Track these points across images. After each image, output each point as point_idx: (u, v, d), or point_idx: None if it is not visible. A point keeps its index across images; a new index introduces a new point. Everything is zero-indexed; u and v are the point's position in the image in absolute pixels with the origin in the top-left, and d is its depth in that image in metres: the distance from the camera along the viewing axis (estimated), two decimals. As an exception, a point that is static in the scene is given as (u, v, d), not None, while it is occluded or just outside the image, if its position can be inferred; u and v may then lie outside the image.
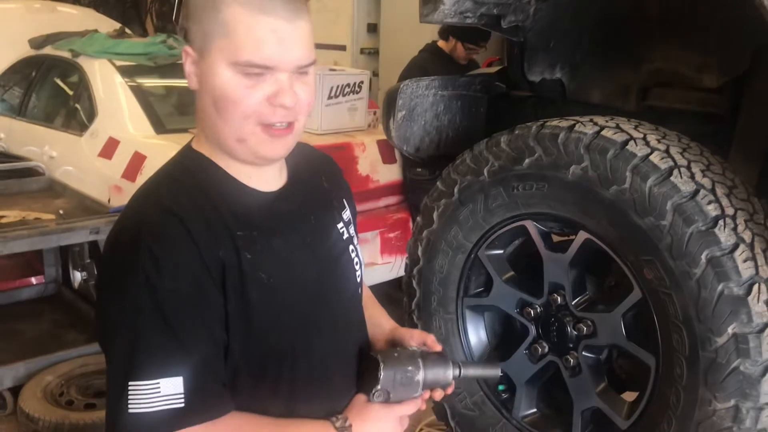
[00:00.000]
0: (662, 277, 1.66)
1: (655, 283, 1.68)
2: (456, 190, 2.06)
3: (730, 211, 1.62)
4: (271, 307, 1.14)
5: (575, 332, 1.92)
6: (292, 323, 1.18)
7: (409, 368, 1.24)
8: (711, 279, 1.59)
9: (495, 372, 1.44)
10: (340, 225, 1.31)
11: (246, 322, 1.12)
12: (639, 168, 1.69)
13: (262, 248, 1.14)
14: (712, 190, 1.64)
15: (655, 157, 1.69)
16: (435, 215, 2.14)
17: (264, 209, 1.18)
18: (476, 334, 2.20)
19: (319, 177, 1.31)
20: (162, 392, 1.03)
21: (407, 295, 2.28)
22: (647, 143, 1.73)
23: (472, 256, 2.09)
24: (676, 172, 1.66)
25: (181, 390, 1.04)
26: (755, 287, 1.57)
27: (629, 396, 1.93)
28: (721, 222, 1.60)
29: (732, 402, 1.59)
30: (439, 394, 1.30)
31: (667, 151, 1.71)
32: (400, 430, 1.25)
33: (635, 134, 1.75)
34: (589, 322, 1.89)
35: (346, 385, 1.27)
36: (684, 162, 1.69)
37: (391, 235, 4.29)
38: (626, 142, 1.73)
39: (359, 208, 4.29)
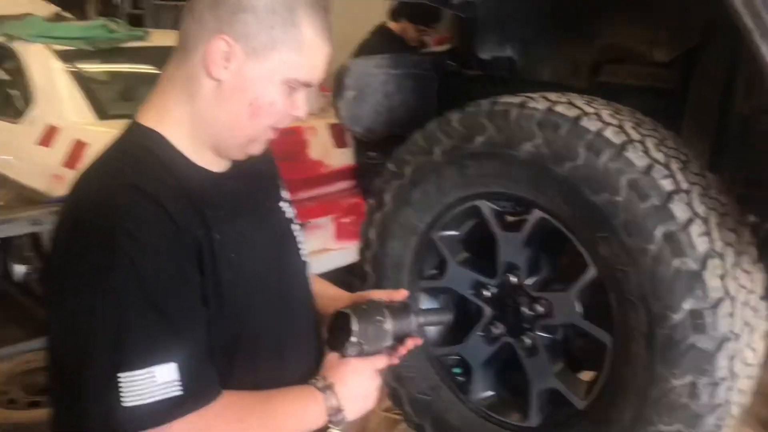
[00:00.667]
0: (617, 254, 1.63)
1: (610, 260, 1.66)
2: (408, 170, 2.01)
3: (684, 185, 1.60)
4: (241, 287, 1.15)
5: (531, 312, 1.88)
6: (259, 302, 1.19)
7: (378, 318, 1.27)
8: (666, 255, 1.56)
9: (448, 317, 1.66)
10: (281, 204, 1.35)
11: (219, 303, 1.11)
12: (592, 143, 1.65)
13: (229, 228, 1.15)
14: (667, 165, 1.62)
15: (608, 132, 1.65)
16: (387, 197, 2.08)
17: (219, 189, 1.18)
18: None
19: (257, 158, 1.28)
20: (158, 381, 1.00)
21: (361, 279, 2.23)
22: (600, 118, 1.69)
23: (426, 238, 2.04)
24: (630, 147, 1.63)
25: (177, 376, 1.02)
26: (710, 262, 1.56)
27: (587, 376, 1.90)
28: (676, 197, 1.57)
29: (688, 378, 1.58)
30: (412, 342, 1.34)
31: (620, 126, 1.68)
32: (378, 383, 1.28)
33: (588, 109, 1.72)
34: (545, 302, 1.86)
35: (304, 362, 1.29)
36: (638, 137, 1.66)
37: (346, 220, 4.24)
38: (579, 118, 1.69)
39: (311, 193, 4.21)
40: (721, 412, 1.62)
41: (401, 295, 1.42)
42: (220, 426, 1.08)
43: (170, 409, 1.02)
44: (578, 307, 1.79)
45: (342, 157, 4.24)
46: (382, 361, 1.30)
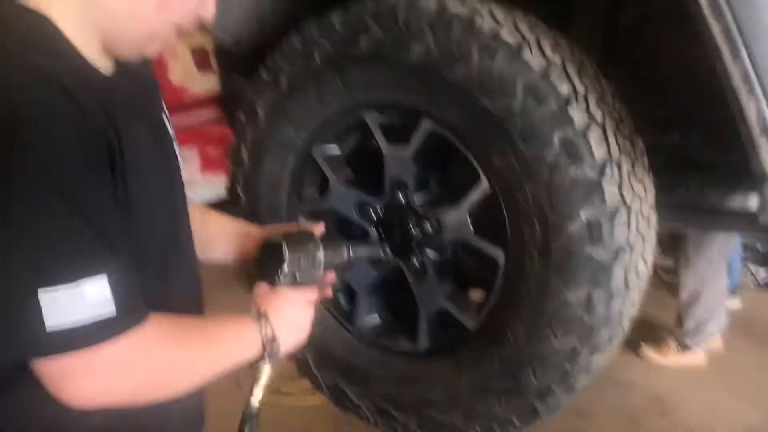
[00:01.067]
0: (512, 164, 1.54)
1: (504, 171, 1.56)
2: (283, 79, 1.81)
3: (581, 89, 1.52)
4: (144, 198, 1.03)
5: (419, 232, 1.77)
6: (158, 218, 1.08)
7: (310, 246, 1.26)
8: (564, 162, 1.48)
9: (377, 251, 1.67)
10: (164, 118, 1.20)
11: (126, 213, 0.99)
12: (487, 45, 1.53)
13: (130, 131, 1.01)
14: (564, 68, 1.52)
15: (503, 33, 1.53)
16: (260, 110, 1.88)
17: (113, 89, 1.04)
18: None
19: (138, 66, 1.13)
20: (86, 297, 0.88)
21: (232, 204, 2.03)
22: (494, 18, 1.57)
23: (305, 155, 1.88)
24: (526, 48, 1.52)
25: (108, 292, 0.90)
26: (608, 169, 1.49)
27: (478, 295, 1.83)
28: (573, 101, 1.49)
29: (584, 291, 1.53)
30: (332, 277, 1.34)
31: (515, 26, 1.56)
32: (311, 315, 1.24)
33: (481, 8, 1.59)
34: (434, 220, 1.75)
35: (189, 291, 1.21)
36: (533, 38, 1.55)
37: (213, 150, 3.99)
38: (472, 17, 1.56)
39: (174, 122, 3.86)
40: (615, 324, 1.59)
41: (319, 229, 1.38)
42: (160, 348, 0.99)
43: (104, 328, 0.90)
44: (469, 224, 1.69)
45: (206, 83, 3.98)
46: (314, 293, 1.27)
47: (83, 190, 0.91)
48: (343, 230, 1.93)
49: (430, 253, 1.79)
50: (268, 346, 1.13)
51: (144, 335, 0.95)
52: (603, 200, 1.48)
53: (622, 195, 1.51)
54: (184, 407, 1.12)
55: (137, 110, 1.08)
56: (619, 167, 1.52)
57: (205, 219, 1.35)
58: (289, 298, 1.21)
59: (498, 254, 1.66)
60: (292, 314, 1.20)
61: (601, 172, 1.48)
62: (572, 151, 1.48)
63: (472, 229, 1.69)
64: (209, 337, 1.08)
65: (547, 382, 1.63)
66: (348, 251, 1.36)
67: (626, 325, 1.66)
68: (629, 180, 1.55)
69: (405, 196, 1.78)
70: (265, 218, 1.95)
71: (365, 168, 1.89)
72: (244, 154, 1.95)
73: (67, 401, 0.92)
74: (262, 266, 1.25)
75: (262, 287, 1.22)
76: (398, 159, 1.76)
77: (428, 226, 1.75)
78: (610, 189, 1.49)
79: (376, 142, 1.78)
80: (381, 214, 1.83)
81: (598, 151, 1.49)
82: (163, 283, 1.12)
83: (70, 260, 0.88)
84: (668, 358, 3.69)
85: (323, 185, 1.91)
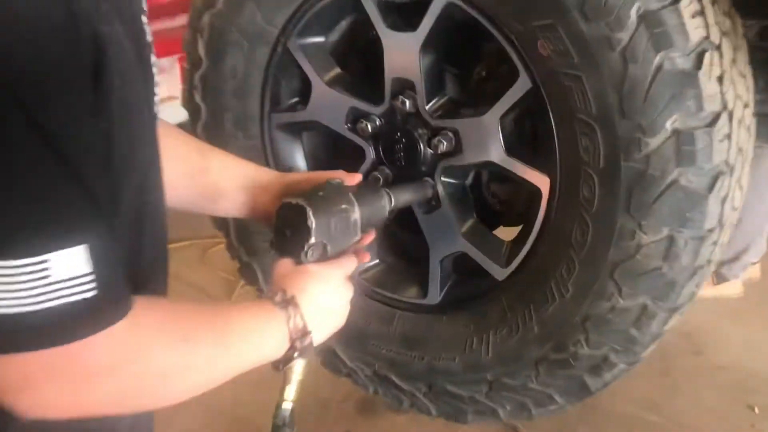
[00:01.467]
0: (567, 51, 1.14)
1: (554, 61, 1.16)
2: (247, -58, 1.38)
3: (667, -61, 1.08)
4: (126, 130, 0.81)
5: (431, 150, 1.40)
6: (139, 156, 0.88)
7: (343, 206, 1.06)
8: (644, 46, 1.06)
9: (426, 192, 1.40)
10: (143, 21, 0.92)
11: (107, 153, 0.78)
12: None
13: (114, 35, 0.77)
14: None
15: None
16: (220, -12, 1.46)
17: None
18: (293, 166, 1.63)
19: None
20: (56, 275, 0.67)
21: (190, 114, 1.65)
22: None
23: (280, 48, 1.50)
24: None
25: (87, 269, 0.69)
26: (707, 57, 1.07)
27: (509, 235, 1.43)
28: (658, -43, 1.05)
29: (665, 232, 1.13)
30: (371, 237, 1.14)
31: None
32: (350, 292, 1.07)
33: None
34: (451, 134, 1.37)
35: (160, 245, 0.99)
36: None
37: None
38: None
39: (150, 28, 3.26)
40: (701, 276, 1.22)
41: (353, 179, 1.15)
42: (158, 344, 0.80)
43: (80, 318, 0.70)
44: (501, 139, 1.30)
45: (183, -18, 3.54)
46: (351, 264, 1.07)
47: (69, 123, 0.70)
48: (329, 148, 1.51)
49: (446, 180, 1.42)
50: (299, 341, 0.95)
51: (136, 326, 0.76)
52: (700, 103, 1.07)
53: (723, 95, 1.10)
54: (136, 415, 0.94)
55: (116, 6, 0.81)
56: (721, 56, 1.09)
57: (206, 161, 1.14)
58: (320, 277, 1.02)
59: (541, 180, 1.29)
60: (325, 297, 1.01)
61: (698, 61, 1.06)
62: (657, 31, 1.06)
63: (504, 145, 1.30)
64: (223, 329, 0.89)
65: (605, 351, 1.27)
66: (389, 201, 1.14)
67: (710, 274, 1.25)
68: (731, 75, 1.11)
69: (412, 101, 1.40)
70: (232, 133, 1.55)
71: (359, 65, 1.53)
72: (201, 49, 1.53)
73: (23, 413, 0.72)
74: (282, 237, 1.04)
75: (284, 264, 1.03)
76: (403, 50, 1.36)
77: (443, 143, 1.38)
78: (709, 86, 1.07)
79: (374, 28, 1.38)
80: (379, 127, 1.45)
81: (695, 31, 1.07)
82: (133, 246, 0.92)
83: (41, 224, 0.68)
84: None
85: (304, 89, 1.52)
